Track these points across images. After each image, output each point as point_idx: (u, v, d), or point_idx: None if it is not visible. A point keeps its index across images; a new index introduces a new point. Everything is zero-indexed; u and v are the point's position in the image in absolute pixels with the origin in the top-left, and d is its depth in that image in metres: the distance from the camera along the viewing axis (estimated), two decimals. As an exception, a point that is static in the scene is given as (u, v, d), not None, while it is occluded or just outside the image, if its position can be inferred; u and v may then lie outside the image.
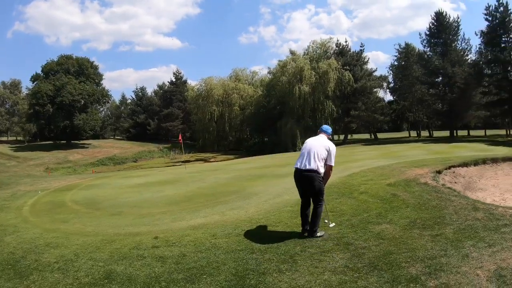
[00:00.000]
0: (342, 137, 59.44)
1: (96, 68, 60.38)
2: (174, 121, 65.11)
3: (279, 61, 53.65)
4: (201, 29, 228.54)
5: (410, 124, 63.60)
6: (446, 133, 52.45)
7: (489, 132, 56.44)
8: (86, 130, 55.49)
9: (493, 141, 37.00)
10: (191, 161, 45.04)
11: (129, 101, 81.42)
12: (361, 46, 57.28)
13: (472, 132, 58.28)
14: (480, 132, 56.62)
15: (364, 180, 10.77)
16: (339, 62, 47.96)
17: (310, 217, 5.70)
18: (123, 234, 6.69)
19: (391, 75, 59.96)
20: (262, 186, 11.15)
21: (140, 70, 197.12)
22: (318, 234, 5.57)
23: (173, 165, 38.65)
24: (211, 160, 45.20)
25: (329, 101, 46.67)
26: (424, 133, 62.31)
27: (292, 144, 45.35)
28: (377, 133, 62.41)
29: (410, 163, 14.43)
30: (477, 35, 43.71)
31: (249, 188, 10.86)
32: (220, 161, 39.66)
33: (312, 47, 52.85)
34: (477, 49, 45.54)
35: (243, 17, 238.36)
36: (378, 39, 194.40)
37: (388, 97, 63.26)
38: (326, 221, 6.09)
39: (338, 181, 10.80)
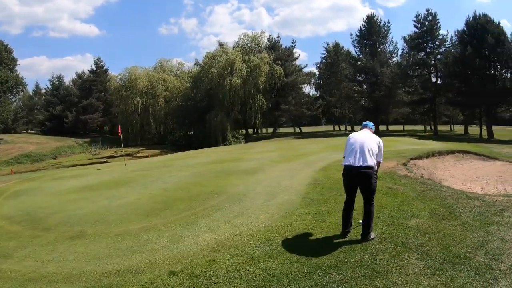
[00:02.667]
0: (270, 130, 59.85)
1: (10, 52, 52.64)
2: (94, 113, 60.06)
3: (208, 52, 52.54)
4: (120, 17, 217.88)
5: (335, 118, 66.05)
6: None
7: (407, 127, 61.50)
8: (-4, 123, 48.69)
9: (416, 136, 39.88)
10: (116, 156, 42.00)
11: (43, 91, 73.02)
12: (292, 43, 58.25)
13: (390, 128, 62.57)
14: (398, 127, 61.04)
15: (341, 175, 10.61)
16: (271, 57, 48.22)
17: (356, 219, 5.54)
18: (116, 274, 4.79)
19: (317, 72, 61.77)
20: (241, 185, 10.22)
21: (54, 59, 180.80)
22: (372, 236, 5.23)
23: (98, 162, 35.75)
24: (137, 155, 42.54)
25: (260, 94, 46.75)
26: (342, 128, 65.57)
27: (222, 138, 44.59)
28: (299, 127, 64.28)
29: None
30: (402, 39, 48.43)
31: (229, 188, 9.85)
32: (149, 156, 37.52)
33: (243, 40, 52.43)
34: (402, 52, 50.15)
35: (165, 8, 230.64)
36: (297, 38, 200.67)
37: (313, 92, 65.67)
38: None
39: (319, 176, 10.77)
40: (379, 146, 5.38)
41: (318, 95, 63.15)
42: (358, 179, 5.23)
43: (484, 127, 40.33)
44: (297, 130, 65.58)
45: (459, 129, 55.28)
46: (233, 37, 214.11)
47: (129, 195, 10.24)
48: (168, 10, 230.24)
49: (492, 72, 37.77)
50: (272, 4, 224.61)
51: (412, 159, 13.79)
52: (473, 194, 7.90)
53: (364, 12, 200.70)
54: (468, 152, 17.31)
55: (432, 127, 50.53)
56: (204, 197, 8.92)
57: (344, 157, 5.47)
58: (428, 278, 4.07)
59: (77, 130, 59.82)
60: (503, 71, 37.96)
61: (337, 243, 5.18)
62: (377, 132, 47.79)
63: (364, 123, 5.97)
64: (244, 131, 52.09)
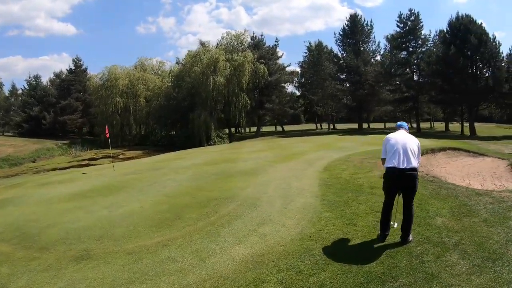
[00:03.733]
0: (253, 129, 59.56)
1: None
2: (73, 114, 57.98)
3: (189, 51, 51.43)
4: (98, 16, 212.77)
5: (317, 117, 66.24)
6: (348, 126, 57.08)
7: (388, 125, 61.52)
8: (-30, 126, 46.58)
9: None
10: (98, 158, 40.97)
11: (20, 91, 70.43)
12: (275, 41, 58.27)
13: (372, 125, 63.00)
14: (379, 125, 61.61)
15: (350, 174, 10.80)
16: (255, 55, 47.81)
17: (398, 222, 5.45)
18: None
19: (299, 71, 61.97)
20: (248, 187, 9.93)
21: (30, 58, 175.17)
22: (410, 238, 5.22)
23: (80, 165, 34.63)
24: (120, 156, 41.56)
25: (243, 93, 46.27)
26: (325, 126, 65.56)
27: (206, 137, 43.96)
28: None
29: (366, 154, 15.26)
30: (385, 39, 49.39)
31: (238, 191, 9.52)
32: (132, 157, 36.73)
33: (226, 38, 51.79)
34: (384, 51, 51.61)
35: (142, 6, 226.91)
36: (275, 37, 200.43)
37: (295, 91, 65.65)
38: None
39: (326, 176, 10.66)
40: (418, 147, 5.33)
41: (299, 93, 63.37)
42: (403, 181, 5.13)
43: (466, 124, 41.44)
44: (279, 128, 65.58)
45: (439, 126, 56.43)
46: (211, 36, 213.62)
47: (129, 203, 9.73)
48: (146, 9, 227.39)
49: (474, 71, 38.78)
50: (250, 3, 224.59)
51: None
52: (480, 191, 8.01)
53: (342, 12, 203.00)
54: (458, 149, 17.58)
55: (413, 125, 50.85)
56: (215, 203, 8.50)
57: (383, 159, 5.38)
58: (477, 276, 4.13)
59: (56, 132, 57.76)
60: (484, 70, 39.10)
61: (379, 247, 5.07)
62: (360, 130, 49.26)
63: (399, 123, 5.87)
64: (227, 130, 51.59)
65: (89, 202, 10.35)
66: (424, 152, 15.33)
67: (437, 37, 46.00)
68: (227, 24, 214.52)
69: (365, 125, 56.67)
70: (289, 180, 10.41)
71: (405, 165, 5.04)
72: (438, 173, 12.66)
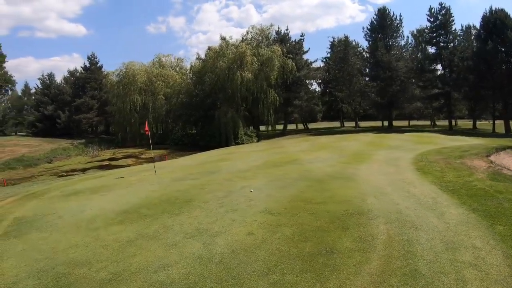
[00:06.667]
0: (278, 127, 56.53)
1: None
2: (88, 112, 55.72)
3: (210, 46, 48.86)
4: (108, 16, 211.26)
5: (343, 114, 63.38)
6: (371, 124, 56.19)
7: (412, 123, 60.07)
8: (-16, 125, 44.11)
9: (425, 131, 40.45)
10: (119, 158, 38.52)
11: (33, 90, 67.98)
12: (301, 36, 54.80)
13: (395, 123, 60.34)
14: (403, 123, 58.76)
15: (456, 176, 10.06)
16: (283, 50, 44.95)
17: None
18: None
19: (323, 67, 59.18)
20: (368, 197, 8.30)
21: (41, 59, 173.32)
22: None
23: (101, 166, 32.31)
24: (142, 156, 39.20)
25: (272, 89, 43.63)
26: (351, 124, 62.78)
27: (234, 136, 41.48)
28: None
29: (435, 154, 15.00)
30: (410, 34, 50.41)
31: (358, 203, 7.91)
32: (154, 157, 34.23)
33: (251, 32, 49.23)
34: (412, 46, 51.23)
35: (152, 6, 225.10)
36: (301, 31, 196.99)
37: (318, 88, 63.14)
38: None
39: (434, 180, 9.73)
40: None
41: (321, 91, 60.90)
42: None
43: (498, 122, 40.97)
44: (300, 126, 62.65)
45: (463, 124, 54.09)
46: (219, 36, 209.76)
47: (223, 226, 7.04)
48: (156, 9, 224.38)
49: (511, 66, 37.58)
50: (260, 1, 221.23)
51: (486, 156, 13.94)
52: None
53: (354, 9, 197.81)
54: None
55: (436, 123, 51.68)
56: (354, 221, 6.65)
57: None
58: None
59: (70, 131, 55.54)
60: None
61: None
62: (390, 128, 46.70)
63: None
64: (252, 128, 48.73)
65: (156, 226, 7.50)
66: (491, 151, 15.46)
67: (463, 31, 45.94)
68: (237, 22, 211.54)
69: (387, 123, 53.96)
70: (401, 186, 9.42)
71: None
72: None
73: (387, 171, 11.78)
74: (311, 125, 66.61)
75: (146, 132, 17.98)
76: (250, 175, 12.78)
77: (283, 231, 6.51)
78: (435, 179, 9.87)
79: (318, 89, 62.36)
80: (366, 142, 24.39)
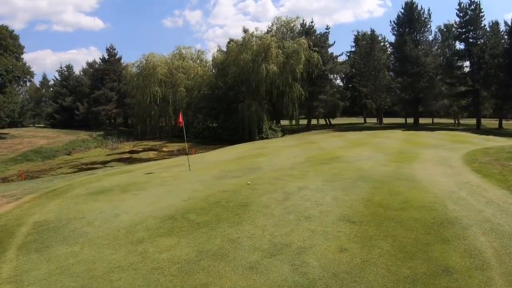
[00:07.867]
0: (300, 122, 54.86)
1: (16, 38, 46.76)
2: (107, 104, 54.96)
3: (231, 39, 47.94)
4: (124, 10, 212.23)
5: (366, 110, 61.71)
6: (393, 120, 54.67)
7: (436, 120, 57.97)
8: (2, 116, 43.45)
9: (449, 129, 40.14)
10: (139, 151, 37.44)
11: (51, 82, 67.54)
12: (326, 29, 52.68)
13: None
14: (427, 120, 56.50)
15: None
16: (310, 42, 43.30)
17: None
18: None
19: (347, 61, 57.56)
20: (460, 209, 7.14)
21: (59, 52, 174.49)
22: None
23: (122, 159, 31.31)
24: (163, 149, 38.15)
25: (297, 83, 42.06)
26: (372, 120, 61.22)
27: (258, 130, 40.15)
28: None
29: (482, 154, 14.19)
30: (437, 29, 49.24)
31: (465, 214, 6.80)
32: (175, 150, 33.08)
33: (276, 24, 47.71)
34: (439, 41, 49.99)
35: (168, 0, 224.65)
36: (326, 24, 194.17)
37: (341, 83, 61.21)
38: None
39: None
40: None
41: (344, 85, 59.20)
42: None
43: None
44: (321, 122, 60.88)
45: (487, 123, 51.86)
46: (239, 29, 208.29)
47: (308, 243, 5.71)
48: (172, 2, 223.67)
49: None
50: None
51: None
52: None
53: (371, 3, 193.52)
54: None
55: (460, 121, 50.26)
56: (450, 233, 5.92)
57: None
58: None
59: (88, 123, 54.93)
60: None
61: None
62: (416, 125, 44.85)
63: None
64: (275, 122, 47.21)
65: (218, 239, 6.13)
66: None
67: (490, 27, 44.01)
68: (253, 16, 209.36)
69: (410, 120, 52.17)
70: (472, 189, 8.69)
71: None
72: None
73: (446, 172, 10.94)
74: (333, 121, 65.02)
75: (180, 124, 16.57)
76: (298, 174, 11.55)
77: (379, 245, 5.39)
78: (500, 183, 9.22)
79: (341, 84, 60.60)
80: (402, 140, 23.49)
